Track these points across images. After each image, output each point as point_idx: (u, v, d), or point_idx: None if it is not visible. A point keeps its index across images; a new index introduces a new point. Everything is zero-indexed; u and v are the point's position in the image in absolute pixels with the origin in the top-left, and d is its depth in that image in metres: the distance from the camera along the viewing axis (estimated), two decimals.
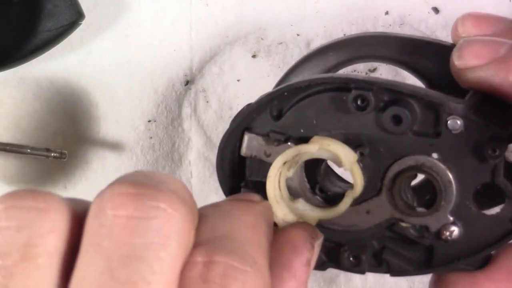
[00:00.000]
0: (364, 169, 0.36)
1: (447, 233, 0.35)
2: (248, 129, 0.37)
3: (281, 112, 0.37)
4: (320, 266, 0.37)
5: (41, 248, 0.27)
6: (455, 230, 0.35)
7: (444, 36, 0.62)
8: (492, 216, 0.35)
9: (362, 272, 0.36)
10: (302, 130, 0.37)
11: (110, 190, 0.28)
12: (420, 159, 0.35)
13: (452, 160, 0.35)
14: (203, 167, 0.62)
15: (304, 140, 0.37)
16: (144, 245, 0.27)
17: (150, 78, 0.62)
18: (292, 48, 0.62)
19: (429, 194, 0.37)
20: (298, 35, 0.62)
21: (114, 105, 0.62)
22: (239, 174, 0.38)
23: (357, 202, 0.36)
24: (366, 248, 0.36)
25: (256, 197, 0.35)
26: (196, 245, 0.29)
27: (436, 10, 0.62)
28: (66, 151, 0.60)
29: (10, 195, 0.28)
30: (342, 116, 0.36)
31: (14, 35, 0.57)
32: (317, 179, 0.38)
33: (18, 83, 0.62)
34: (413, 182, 0.38)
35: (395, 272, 0.37)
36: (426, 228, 0.36)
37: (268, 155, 0.37)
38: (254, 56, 0.61)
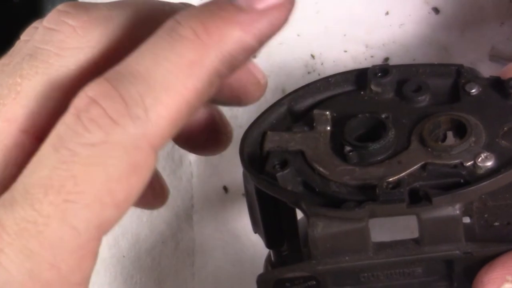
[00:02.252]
0: (389, 127, 0.36)
1: (483, 162, 0.34)
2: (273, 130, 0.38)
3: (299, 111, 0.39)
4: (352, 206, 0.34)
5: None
6: (489, 157, 0.34)
7: (444, 36, 0.62)
8: None
9: (402, 199, 0.33)
10: (329, 113, 0.38)
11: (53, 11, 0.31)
12: (443, 115, 0.36)
13: (476, 112, 0.36)
14: (204, 167, 0.62)
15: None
16: (40, 49, 0.30)
17: None
18: (292, 49, 0.62)
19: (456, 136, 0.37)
20: (298, 35, 0.62)
21: None
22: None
23: (388, 157, 0.35)
24: (403, 182, 0.34)
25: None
26: (101, 76, 0.27)
27: (436, 10, 0.62)
28: None
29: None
30: (362, 95, 0.38)
31: (14, 36, 0.57)
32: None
33: None
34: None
35: (437, 200, 0.33)
36: (461, 164, 0.34)
37: (290, 143, 0.37)
38: (254, 57, 0.61)
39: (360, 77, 0.40)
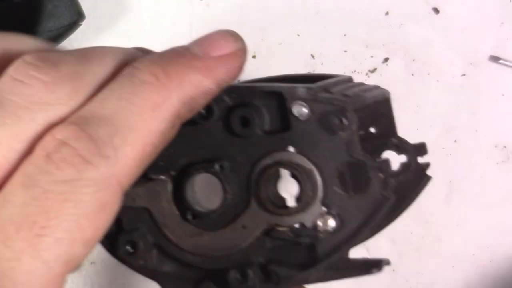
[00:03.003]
0: (228, 183, 0.35)
1: (323, 225, 0.34)
2: None
3: None
4: None
5: None
6: (330, 219, 0.34)
7: (444, 36, 0.62)
8: (362, 194, 0.34)
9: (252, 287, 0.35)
10: (162, 163, 0.35)
11: (21, 57, 0.30)
12: (277, 155, 0.35)
13: (308, 148, 0.35)
14: None
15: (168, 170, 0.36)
16: (8, 101, 0.29)
17: None
18: (292, 49, 0.62)
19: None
20: (298, 35, 0.62)
21: None
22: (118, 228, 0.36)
23: (231, 220, 0.35)
24: (252, 264, 0.35)
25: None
26: (68, 121, 0.28)
27: (436, 10, 0.62)
28: None
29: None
30: (192, 134, 0.35)
31: None
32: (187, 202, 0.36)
33: None
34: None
35: (285, 280, 0.35)
36: (303, 226, 0.34)
37: (134, 199, 0.35)
38: (254, 57, 0.61)
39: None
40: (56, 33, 0.58)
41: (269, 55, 0.61)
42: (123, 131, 0.28)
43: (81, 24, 0.59)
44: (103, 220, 0.28)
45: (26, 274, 0.26)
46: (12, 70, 0.30)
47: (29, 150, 0.28)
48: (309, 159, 0.34)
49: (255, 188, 0.35)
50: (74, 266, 0.28)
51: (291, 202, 0.35)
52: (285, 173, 0.36)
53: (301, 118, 0.34)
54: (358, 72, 0.62)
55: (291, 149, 0.35)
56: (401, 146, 0.35)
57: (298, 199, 0.35)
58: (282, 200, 0.36)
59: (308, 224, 0.34)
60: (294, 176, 0.35)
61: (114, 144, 0.28)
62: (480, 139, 0.61)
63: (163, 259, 0.35)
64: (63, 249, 0.27)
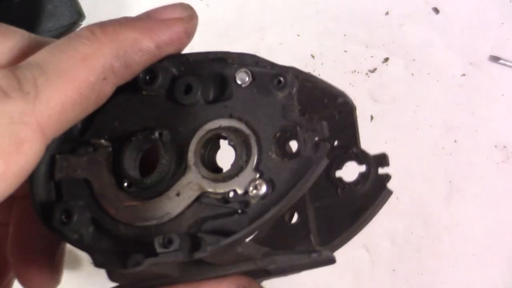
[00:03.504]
0: (166, 151, 0.34)
1: (254, 191, 0.33)
2: (60, 153, 0.36)
3: (84, 126, 0.36)
4: (135, 264, 0.33)
5: None
6: (260, 184, 0.33)
7: (444, 36, 0.62)
8: (296, 158, 0.34)
9: (178, 255, 0.33)
10: (106, 136, 0.35)
11: None
12: (217, 122, 0.34)
13: (247, 114, 0.34)
14: None
15: (118, 139, 0.35)
16: None
17: None
18: (292, 49, 0.62)
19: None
20: (298, 35, 0.62)
21: None
22: (57, 198, 0.36)
23: (165, 188, 0.34)
24: (180, 232, 0.34)
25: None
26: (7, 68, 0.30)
27: (436, 10, 0.62)
28: None
29: None
30: (135, 103, 0.35)
31: None
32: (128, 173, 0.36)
33: None
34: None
35: (212, 245, 0.33)
36: (234, 191, 0.33)
37: (75, 170, 0.35)
38: None
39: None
40: (56, 33, 0.58)
41: (269, 55, 0.61)
42: (49, 74, 0.29)
43: (81, 24, 0.59)
44: (18, 158, 0.28)
45: None
46: None
47: None
48: (247, 125, 0.34)
49: (194, 155, 0.34)
50: None
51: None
52: (224, 145, 0.35)
53: (242, 85, 0.34)
54: (358, 72, 0.62)
55: (232, 115, 0.34)
56: (361, 156, 0.35)
57: (233, 165, 0.34)
58: (218, 168, 0.35)
59: (240, 190, 0.34)
60: (231, 144, 0.34)
61: (36, 83, 0.29)
62: (480, 139, 0.61)
63: (99, 236, 0.35)
64: None
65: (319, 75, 0.64)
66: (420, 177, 0.60)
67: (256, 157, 0.34)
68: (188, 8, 0.33)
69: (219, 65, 0.35)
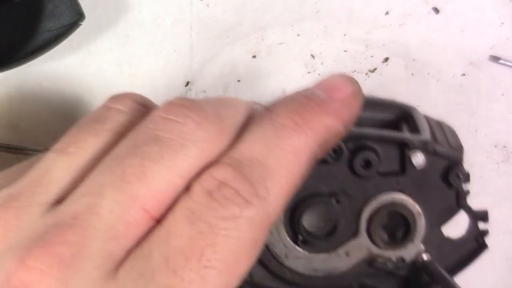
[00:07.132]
0: (340, 214, 0.39)
1: (421, 261, 0.39)
2: None
3: None
4: None
5: None
6: (428, 257, 0.39)
7: (444, 36, 0.62)
8: (458, 238, 0.40)
9: None
10: None
11: (167, 102, 0.34)
12: (390, 197, 0.39)
13: (419, 193, 0.39)
14: None
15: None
16: (164, 138, 0.31)
17: (150, 79, 0.62)
18: (292, 49, 0.62)
19: (398, 227, 0.40)
20: (298, 35, 0.62)
21: None
22: None
23: (336, 246, 0.39)
24: (348, 286, 0.39)
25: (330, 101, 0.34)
26: (223, 162, 0.31)
27: (436, 10, 0.62)
28: None
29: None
30: (323, 169, 0.40)
31: (14, 36, 0.57)
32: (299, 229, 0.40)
33: (18, 84, 0.62)
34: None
35: None
36: (402, 259, 0.39)
37: None
38: (254, 57, 0.61)
39: None
40: (56, 33, 0.58)
41: (269, 55, 0.61)
42: (272, 173, 0.30)
43: (81, 24, 0.59)
44: (254, 257, 0.30)
45: None
46: (161, 112, 0.32)
47: (186, 186, 0.30)
48: (418, 203, 0.38)
49: (366, 223, 0.39)
50: None
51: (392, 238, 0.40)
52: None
53: (417, 166, 0.39)
54: (358, 72, 0.62)
55: (403, 191, 0.40)
56: (468, 211, 0.41)
57: (402, 236, 0.39)
58: (386, 235, 0.40)
59: (408, 259, 0.39)
60: (402, 215, 0.39)
61: (266, 186, 0.30)
62: (480, 139, 0.61)
63: (266, 275, 0.39)
64: (223, 282, 0.29)
65: (319, 75, 0.64)
66: None
67: (425, 230, 0.40)
68: (353, 80, 0.34)
69: (395, 144, 0.41)
